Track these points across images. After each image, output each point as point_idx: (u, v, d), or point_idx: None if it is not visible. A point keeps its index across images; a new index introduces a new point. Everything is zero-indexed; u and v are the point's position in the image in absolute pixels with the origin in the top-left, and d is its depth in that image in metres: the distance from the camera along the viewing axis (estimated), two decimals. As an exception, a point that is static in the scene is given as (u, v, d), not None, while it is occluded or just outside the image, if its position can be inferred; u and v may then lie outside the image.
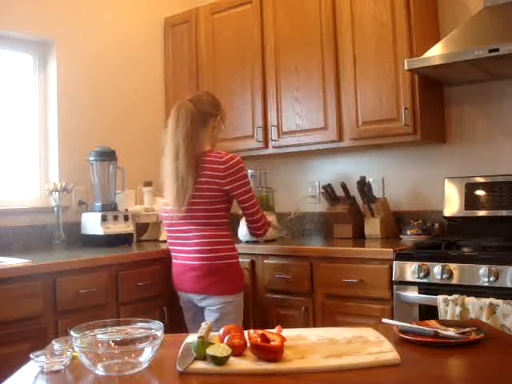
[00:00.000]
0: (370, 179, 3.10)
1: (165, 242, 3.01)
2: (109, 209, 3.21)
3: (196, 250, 2.44)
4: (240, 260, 2.92)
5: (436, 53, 2.58)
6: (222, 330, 1.42)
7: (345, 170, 3.37)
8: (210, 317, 2.43)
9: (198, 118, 2.48)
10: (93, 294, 2.54)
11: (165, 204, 2.55)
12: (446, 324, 1.56)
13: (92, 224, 3.16)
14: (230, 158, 2.45)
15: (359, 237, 3.08)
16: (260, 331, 1.38)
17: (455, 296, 2.20)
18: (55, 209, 3.13)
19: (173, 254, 2.58)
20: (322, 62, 3.07)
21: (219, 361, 1.27)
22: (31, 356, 1.36)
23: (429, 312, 2.27)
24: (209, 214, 2.44)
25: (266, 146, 3.33)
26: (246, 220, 2.56)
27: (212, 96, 2.66)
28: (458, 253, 2.39)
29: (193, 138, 2.43)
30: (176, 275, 2.56)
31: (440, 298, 2.24)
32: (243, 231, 2.99)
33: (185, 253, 2.49)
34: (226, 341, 1.34)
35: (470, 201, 2.85)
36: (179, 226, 2.49)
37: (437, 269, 2.31)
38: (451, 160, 3.03)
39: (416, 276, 2.36)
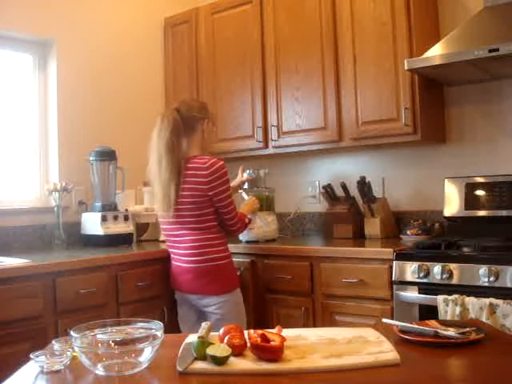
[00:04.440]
0: (369, 179, 3.10)
1: (164, 242, 3.01)
2: (109, 209, 3.21)
3: (187, 253, 2.56)
4: (240, 260, 2.94)
5: (436, 53, 2.58)
6: (222, 330, 1.42)
7: (345, 169, 3.36)
8: (210, 318, 2.51)
9: (181, 125, 2.54)
10: (93, 294, 2.53)
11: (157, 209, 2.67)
12: (446, 324, 1.56)
13: (92, 224, 3.15)
14: (213, 163, 2.49)
15: (359, 237, 3.08)
16: (260, 331, 1.38)
17: (455, 296, 2.20)
18: (55, 209, 3.13)
19: (171, 255, 2.70)
20: (322, 62, 3.07)
21: (219, 361, 1.27)
22: (31, 356, 1.36)
23: (429, 312, 2.27)
24: (197, 219, 2.52)
25: (266, 146, 3.33)
26: (225, 222, 2.59)
27: (197, 101, 2.76)
28: (458, 253, 2.39)
29: (174, 147, 2.49)
30: (173, 275, 2.68)
31: (440, 297, 2.24)
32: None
33: (179, 255, 2.61)
34: (226, 341, 1.34)
35: (470, 201, 2.85)
36: (172, 231, 2.61)
37: (437, 269, 2.31)
38: (451, 160, 3.03)
39: (416, 276, 2.36)
